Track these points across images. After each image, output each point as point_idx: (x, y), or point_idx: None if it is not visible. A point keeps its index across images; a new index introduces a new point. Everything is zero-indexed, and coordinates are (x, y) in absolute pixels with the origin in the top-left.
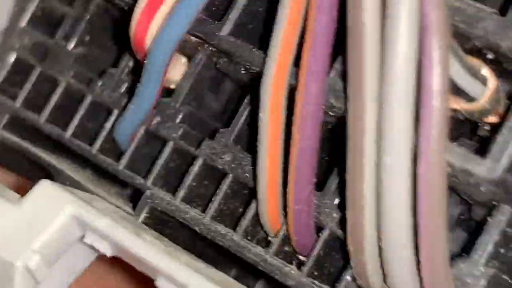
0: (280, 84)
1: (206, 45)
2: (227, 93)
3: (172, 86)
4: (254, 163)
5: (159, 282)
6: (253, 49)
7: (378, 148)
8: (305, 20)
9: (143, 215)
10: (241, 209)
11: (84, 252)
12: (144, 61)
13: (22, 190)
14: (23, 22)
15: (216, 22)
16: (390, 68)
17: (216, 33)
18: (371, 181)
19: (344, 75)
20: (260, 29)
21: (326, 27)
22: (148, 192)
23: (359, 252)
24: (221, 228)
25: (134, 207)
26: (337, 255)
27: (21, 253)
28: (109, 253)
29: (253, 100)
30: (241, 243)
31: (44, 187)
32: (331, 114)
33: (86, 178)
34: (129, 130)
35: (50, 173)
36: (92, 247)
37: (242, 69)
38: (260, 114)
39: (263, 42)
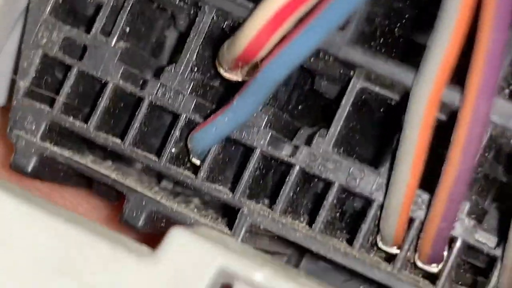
0: (435, 102)
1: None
2: (293, 82)
3: None
4: (362, 171)
5: None
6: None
7: None
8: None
9: (242, 234)
10: (343, 218)
11: None
12: (247, 71)
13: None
14: (45, 13)
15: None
16: None
17: (339, 43)
18: None
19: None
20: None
21: (501, 48)
22: (245, 209)
23: None
24: (339, 244)
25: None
26: (469, 266)
27: None
28: None
29: (355, 99)
30: (361, 258)
31: (179, 236)
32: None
33: (159, 193)
34: (214, 142)
35: (116, 190)
36: None
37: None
38: (407, 131)
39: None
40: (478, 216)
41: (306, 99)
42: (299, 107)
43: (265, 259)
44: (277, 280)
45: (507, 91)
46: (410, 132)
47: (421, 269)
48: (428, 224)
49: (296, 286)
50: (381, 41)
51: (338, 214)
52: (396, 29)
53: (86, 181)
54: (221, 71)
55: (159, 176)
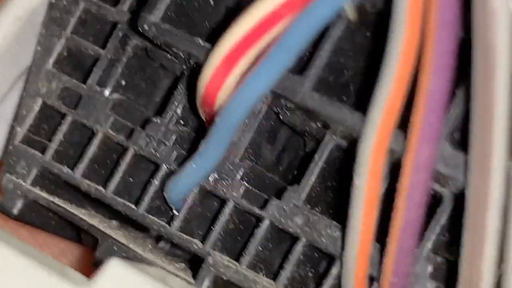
0: (382, 149)
1: (283, 101)
2: (282, 142)
3: None
4: (330, 227)
5: None
6: (343, 108)
7: (505, 225)
8: (415, 77)
9: (205, 284)
10: (311, 274)
11: None
12: (212, 116)
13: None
14: (49, 64)
15: (298, 77)
16: None
17: (298, 89)
18: (492, 260)
19: (449, 137)
20: (341, 83)
21: (442, 91)
22: (210, 260)
23: None
24: None
25: (192, 271)
26: None
27: None
28: None
29: (328, 156)
30: None
31: (114, 268)
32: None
33: (132, 240)
34: (185, 190)
35: (92, 236)
36: None
37: (316, 123)
38: (356, 181)
39: (344, 96)
40: (441, 277)
41: (300, 163)
42: (292, 169)
43: None
44: None
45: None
46: (358, 181)
47: None
48: (381, 281)
49: None
50: (342, 90)
51: (309, 273)
52: (355, 78)
53: (74, 232)
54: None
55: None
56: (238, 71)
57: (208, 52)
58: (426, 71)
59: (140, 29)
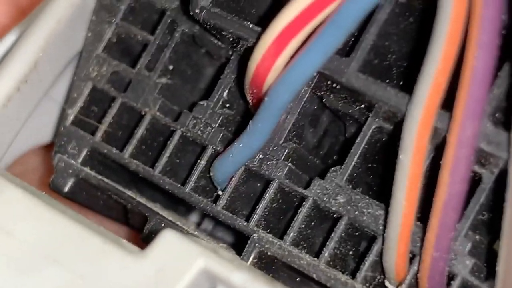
0: (427, 127)
1: (329, 82)
2: (324, 126)
3: None
4: (371, 206)
5: None
6: (388, 88)
7: None
8: (459, 58)
9: (251, 260)
10: (351, 252)
11: None
12: (261, 97)
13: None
14: (99, 49)
15: (344, 58)
16: None
17: (345, 70)
18: None
19: (491, 116)
20: (385, 66)
21: (487, 66)
22: (255, 236)
23: None
24: (341, 276)
25: (235, 248)
26: None
27: None
28: None
29: (370, 138)
30: None
31: (168, 237)
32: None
33: (177, 220)
34: (231, 170)
35: (140, 213)
36: None
37: (360, 105)
38: (401, 156)
39: (388, 79)
40: (480, 255)
41: (339, 148)
42: (332, 154)
43: (251, 269)
44: (254, 283)
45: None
46: (403, 159)
47: None
48: (423, 256)
49: None
50: (386, 73)
51: (350, 252)
52: (399, 62)
53: (121, 213)
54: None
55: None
56: (288, 53)
57: (257, 35)
58: (472, 48)
59: (191, 13)
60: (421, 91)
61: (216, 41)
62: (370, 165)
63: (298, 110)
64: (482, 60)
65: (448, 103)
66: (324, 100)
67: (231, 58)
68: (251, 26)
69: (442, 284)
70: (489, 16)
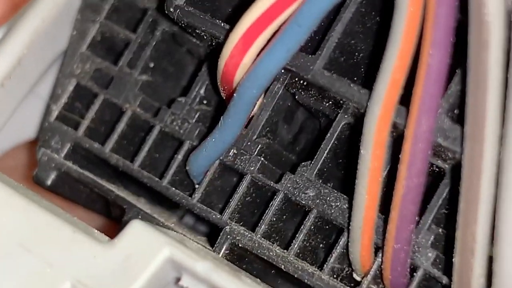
0: (386, 121)
1: (296, 78)
2: (299, 123)
3: None
4: (339, 199)
5: None
6: (351, 85)
7: (497, 191)
8: (416, 55)
9: (223, 251)
10: (321, 245)
11: None
12: (231, 94)
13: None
14: (83, 47)
15: (310, 56)
16: None
17: (311, 67)
18: (485, 224)
19: (448, 113)
20: (352, 63)
21: (442, 63)
22: (227, 228)
23: None
24: (308, 267)
25: (210, 242)
26: None
27: None
28: None
29: (339, 134)
30: (330, 282)
31: (137, 227)
32: (435, 153)
33: (158, 213)
34: (205, 164)
35: (119, 205)
36: None
37: (328, 101)
38: (362, 151)
39: (355, 77)
40: (442, 248)
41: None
42: (308, 151)
43: (216, 259)
44: (217, 272)
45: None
46: (364, 153)
47: None
48: (385, 247)
49: (235, 281)
50: (353, 71)
51: (320, 245)
52: (366, 60)
53: (104, 206)
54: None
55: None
56: (254, 50)
57: (228, 33)
58: (427, 46)
59: (166, 11)
60: (380, 87)
61: (194, 40)
62: (340, 160)
63: (271, 107)
64: (436, 58)
65: (407, 99)
66: (297, 97)
67: (208, 56)
68: (222, 24)
69: (404, 275)
70: (443, 14)
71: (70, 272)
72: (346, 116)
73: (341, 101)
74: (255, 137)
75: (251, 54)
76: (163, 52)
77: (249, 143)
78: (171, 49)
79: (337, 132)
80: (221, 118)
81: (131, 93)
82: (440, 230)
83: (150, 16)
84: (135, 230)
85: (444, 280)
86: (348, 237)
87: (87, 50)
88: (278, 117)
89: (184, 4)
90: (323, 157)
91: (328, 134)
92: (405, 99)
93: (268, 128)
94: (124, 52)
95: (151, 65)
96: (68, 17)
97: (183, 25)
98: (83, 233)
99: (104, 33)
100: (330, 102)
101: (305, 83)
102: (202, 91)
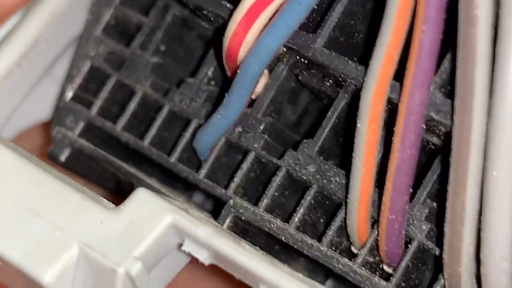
0: (381, 96)
1: (298, 57)
2: (303, 105)
3: (253, 97)
4: (338, 175)
5: None
6: (349, 62)
7: (485, 162)
8: (409, 31)
9: (226, 224)
10: (322, 220)
11: (178, 257)
12: (236, 71)
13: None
14: (98, 31)
15: (311, 35)
16: (502, 82)
17: (311, 45)
18: (474, 194)
19: (441, 88)
20: (351, 43)
21: (434, 39)
22: (231, 201)
23: (455, 264)
24: (307, 238)
25: (214, 216)
26: (424, 267)
27: (123, 260)
28: (207, 262)
29: (340, 112)
30: (328, 253)
31: (142, 195)
32: (428, 128)
33: (167, 190)
34: (211, 140)
35: (129, 182)
36: (189, 255)
37: (329, 80)
38: (358, 125)
39: (354, 57)
40: (436, 221)
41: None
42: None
43: (218, 226)
44: (217, 238)
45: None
46: (360, 127)
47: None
48: (380, 219)
49: (235, 246)
50: (352, 50)
51: (321, 219)
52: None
53: (115, 183)
54: None
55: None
56: (257, 28)
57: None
58: (419, 22)
59: None
60: (375, 62)
61: (203, 23)
62: (341, 139)
63: (276, 87)
64: (428, 34)
65: (401, 76)
66: (300, 78)
67: (215, 38)
68: (227, 4)
69: (399, 246)
70: None
71: (78, 236)
72: (346, 96)
73: (340, 78)
74: (259, 115)
75: (254, 32)
76: (174, 36)
77: (253, 121)
78: (181, 33)
79: (337, 111)
80: (226, 95)
81: (142, 74)
82: (434, 204)
83: (162, 1)
84: (140, 197)
85: (437, 251)
86: (345, 210)
87: (102, 33)
88: (282, 98)
89: None
90: (323, 135)
91: (329, 113)
92: (400, 76)
93: (272, 108)
94: (136, 35)
95: (162, 48)
96: (84, 1)
97: (191, 7)
98: (91, 200)
99: (118, 17)
100: (331, 81)
101: (306, 62)
102: (209, 73)
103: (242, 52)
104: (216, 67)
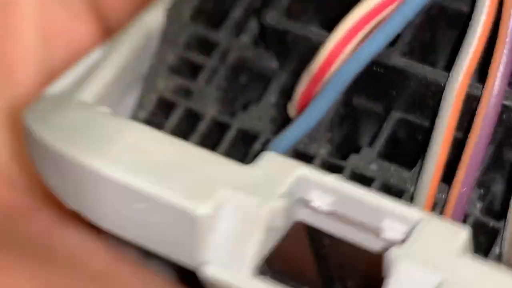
0: (462, 91)
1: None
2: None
3: None
4: (399, 170)
5: (386, 223)
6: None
7: None
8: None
9: None
10: None
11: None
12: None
13: None
14: (163, 67)
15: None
16: None
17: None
18: None
19: None
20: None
21: None
22: None
23: None
24: None
25: None
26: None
27: (268, 198)
28: (329, 208)
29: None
30: None
31: (270, 156)
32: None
33: None
34: (287, 146)
35: None
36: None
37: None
38: (440, 112)
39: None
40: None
41: None
42: None
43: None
44: (343, 184)
45: None
46: (442, 112)
47: None
48: (451, 190)
49: (358, 188)
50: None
51: None
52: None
53: None
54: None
55: None
56: (356, 41)
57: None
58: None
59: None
60: (462, 61)
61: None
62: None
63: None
64: None
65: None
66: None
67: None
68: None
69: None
70: None
71: (225, 182)
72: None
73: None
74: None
75: (353, 44)
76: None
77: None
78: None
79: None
80: (311, 101)
81: (209, 101)
82: (487, 185)
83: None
84: (269, 157)
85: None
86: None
87: (167, 70)
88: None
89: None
90: (383, 139)
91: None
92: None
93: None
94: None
95: (224, 84)
96: (150, 48)
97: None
98: (226, 160)
99: (182, 60)
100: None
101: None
102: (272, 99)
103: (336, 63)
104: (278, 93)
